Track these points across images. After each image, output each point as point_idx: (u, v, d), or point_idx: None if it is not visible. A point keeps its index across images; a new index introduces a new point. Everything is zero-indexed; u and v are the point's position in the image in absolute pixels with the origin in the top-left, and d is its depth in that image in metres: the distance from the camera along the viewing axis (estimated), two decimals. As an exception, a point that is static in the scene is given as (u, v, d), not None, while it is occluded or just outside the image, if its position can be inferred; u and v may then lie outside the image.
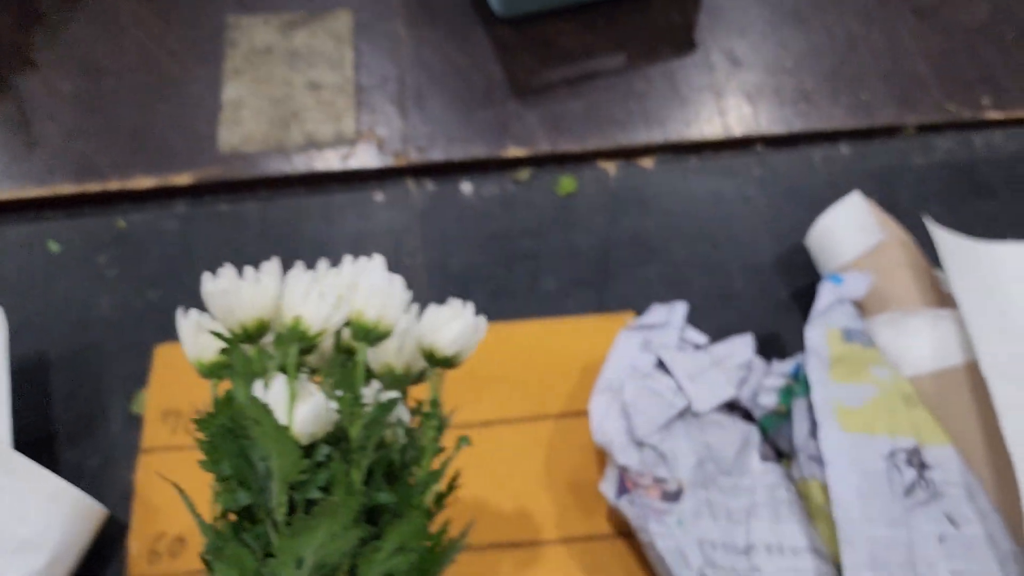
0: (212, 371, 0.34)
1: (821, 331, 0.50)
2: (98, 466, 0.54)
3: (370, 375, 0.35)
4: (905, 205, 0.63)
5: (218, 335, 0.32)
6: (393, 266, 0.62)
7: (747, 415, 0.52)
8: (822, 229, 0.57)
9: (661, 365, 0.51)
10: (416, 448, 0.34)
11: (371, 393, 0.34)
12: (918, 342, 0.52)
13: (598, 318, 0.59)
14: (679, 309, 0.54)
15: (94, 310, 0.60)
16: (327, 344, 0.34)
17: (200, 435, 0.32)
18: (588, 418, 0.51)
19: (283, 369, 0.31)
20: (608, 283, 0.61)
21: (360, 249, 0.62)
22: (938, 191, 0.64)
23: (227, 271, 0.31)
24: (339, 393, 0.31)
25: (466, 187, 0.65)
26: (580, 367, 0.57)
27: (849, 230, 0.56)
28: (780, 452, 0.51)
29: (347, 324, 0.33)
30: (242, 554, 0.30)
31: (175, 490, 0.36)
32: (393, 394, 0.34)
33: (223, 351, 0.32)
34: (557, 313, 0.59)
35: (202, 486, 0.50)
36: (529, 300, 0.60)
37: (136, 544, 0.51)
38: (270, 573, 0.29)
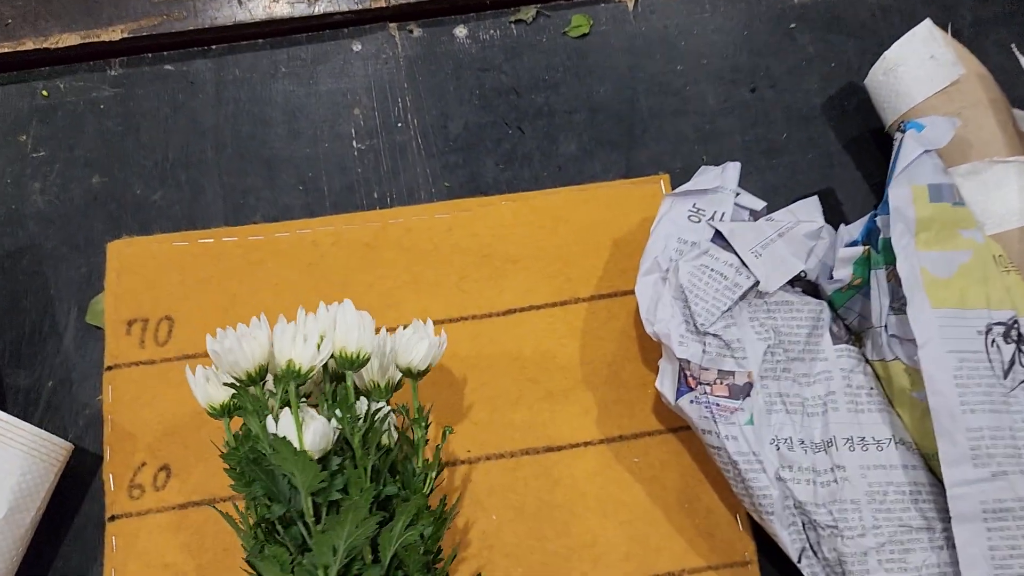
0: (223, 411, 0.39)
1: (905, 190, 0.42)
2: (53, 390, 0.46)
3: (356, 392, 0.40)
4: (966, 33, 0.55)
5: (231, 385, 0.38)
6: (381, 132, 0.53)
7: (810, 288, 0.46)
8: (888, 65, 0.48)
9: (716, 239, 0.43)
10: (407, 442, 0.41)
11: (361, 406, 0.40)
12: (1004, 194, 0.45)
13: (628, 183, 0.50)
14: (732, 170, 0.45)
15: (25, 203, 0.50)
16: (318, 374, 0.40)
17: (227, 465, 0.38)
18: (634, 302, 0.44)
19: (286, 402, 0.37)
20: (636, 141, 0.52)
21: (339, 113, 0.52)
22: (1001, 14, 0.55)
23: (226, 333, 0.37)
24: (339, 413, 0.38)
25: (460, 32, 0.54)
26: (611, 242, 0.49)
27: (921, 66, 0.47)
28: (849, 329, 0.45)
29: (332, 357, 0.39)
30: (279, 552, 0.36)
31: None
32: (381, 403, 0.40)
33: (232, 396, 0.39)
34: (580, 180, 0.51)
35: (180, 403, 0.43)
36: (547, 166, 0.51)
37: (113, 478, 0.44)
38: (310, 563, 0.35)
